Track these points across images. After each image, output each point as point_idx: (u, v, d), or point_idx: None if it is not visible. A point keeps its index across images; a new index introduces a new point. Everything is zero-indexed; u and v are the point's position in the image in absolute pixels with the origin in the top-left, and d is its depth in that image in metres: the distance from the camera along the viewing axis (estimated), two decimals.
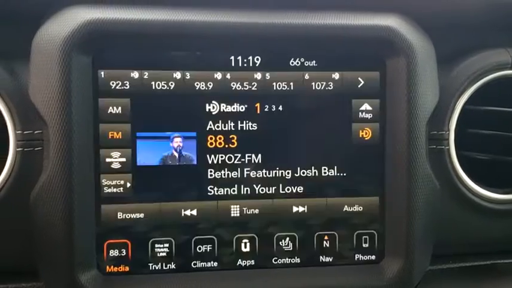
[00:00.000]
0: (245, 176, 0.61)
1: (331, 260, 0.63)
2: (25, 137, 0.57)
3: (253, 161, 0.61)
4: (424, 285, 0.63)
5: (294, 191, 0.62)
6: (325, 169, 0.62)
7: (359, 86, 0.62)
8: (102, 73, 0.57)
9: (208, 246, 0.61)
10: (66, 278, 0.56)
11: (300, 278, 0.62)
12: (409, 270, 0.61)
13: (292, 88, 0.61)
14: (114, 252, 0.59)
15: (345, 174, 0.62)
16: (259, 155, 0.61)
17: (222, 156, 0.60)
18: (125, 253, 0.59)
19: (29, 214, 0.57)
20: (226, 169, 0.60)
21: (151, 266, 0.60)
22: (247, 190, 0.61)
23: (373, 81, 0.62)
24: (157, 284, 0.59)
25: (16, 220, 0.58)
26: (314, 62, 0.61)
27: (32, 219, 0.57)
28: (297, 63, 0.61)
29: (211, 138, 0.60)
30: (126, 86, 0.58)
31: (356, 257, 0.63)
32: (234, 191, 0.61)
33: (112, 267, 0.59)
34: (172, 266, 0.60)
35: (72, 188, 0.55)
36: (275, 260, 0.62)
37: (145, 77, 0.58)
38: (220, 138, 0.60)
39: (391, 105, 0.61)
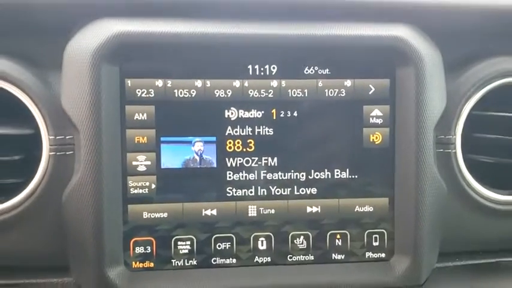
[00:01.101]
0: (262, 178, 0.65)
1: (343, 257, 0.66)
2: (57, 142, 0.61)
3: (269, 164, 0.64)
4: (431, 282, 0.66)
5: (308, 192, 0.65)
6: (337, 172, 0.65)
7: (370, 93, 0.65)
8: (129, 82, 0.61)
9: (227, 243, 0.65)
10: (96, 274, 0.60)
11: (313, 274, 0.65)
12: (417, 267, 0.64)
13: (306, 95, 0.64)
14: (139, 250, 0.63)
15: (356, 177, 0.66)
16: (275, 158, 0.64)
17: (240, 160, 0.64)
18: (149, 250, 0.63)
19: (61, 213, 0.61)
20: (244, 171, 0.64)
21: (174, 262, 0.64)
22: (263, 191, 0.65)
23: (384, 88, 0.65)
24: (180, 279, 0.63)
25: (49, 219, 0.62)
26: (327, 70, 0.64)
27: (64, 218, 0.61)
28: (311, 71, 0.64)
29: (230, 143, 0.64)
30: (151, 94, 0.62)
31: (367, 255, 0.67)
32: (251, 192, 0.65)
33: (138, 263, 0.63)
34: (194, 262, 0.64)
35: (101, 189, 0.59)
36: (290, 257, 0.66)
37: (168, 85, 0.62)
38: (238, 143, 0.64)
39: (400, 110, 0.65)
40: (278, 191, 0.65)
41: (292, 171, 0.65)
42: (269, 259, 0.66)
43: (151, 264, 0.64)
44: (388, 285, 0.65)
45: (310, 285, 0.64)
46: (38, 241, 0.63)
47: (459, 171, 0.67)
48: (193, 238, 0.64)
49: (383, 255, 0.67)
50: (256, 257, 0.65)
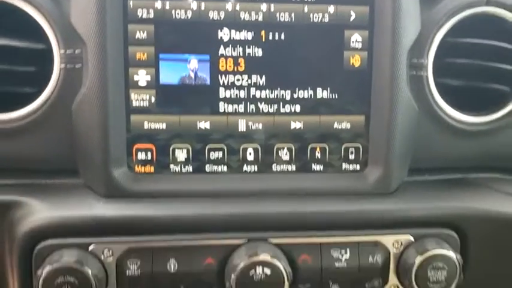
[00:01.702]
0: (251, 95, 0.72)
1: (321, 168, 0.74)
2: (67, 55, 0.68)
3: (258, 83, 0.71)
4: (401, 192, 0.74)
5: (292, 109, 0.73)
6: (319, 90, 0.72)
7: (351, 19, 0.71)
8: (131, 3, 0.67)
9: (219, 153, 0.73)
10: (102, 174, 0.68)
11: (295, 182, 0.73)
12: (388, 177, 0.72)
13: (293, 19, 0.70)
14: (141, 155, 0.71)
15: (336, 96, 0.73)
16: (263, 77, 0.71)
17: (231, 78, 0.71)
18: (150, 157, 0.71)
19: (71, 121, 0.69)
20: (235, 88, 0.71)
21: (172, 168, 0.72)
22: (252, 108, 0.72)
23: (364, 15, 0.71)
24: (177, 182, 0.71)
25: (60, 126, 0.70)
26: None
27: (74, 126, 0.69)
28: None
29: (222, 62, 0.70)
30: (151, 14, 0.68)
31: (343, 166, 0.75)
32: (241, 108, 0.72)
33: (140, 167, 0.71)
34: (190, 168, 0.72)
35: (106, 100, 0.66)
36: (274, 167, 0.74)
37: (166, 7, 0.68)
38: (230, 62, 0.70)
39: (378, 35, 0.71)
40: (265, 107, 0.72)
41: (279, 89, 0.72)
42: (256, 168, 0.74)
43: (152, 169, 0.72)
44: (361, 192, 0.73)
45: (292, 191, 0.73)
46: (50, 146, 0.71)
47: (430, 93, 0.74)
48: (189, 147, 0.72)
49: (358, 167, 0.75)
50: (245, 165, 0.73)
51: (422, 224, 0.71)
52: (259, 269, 0.65)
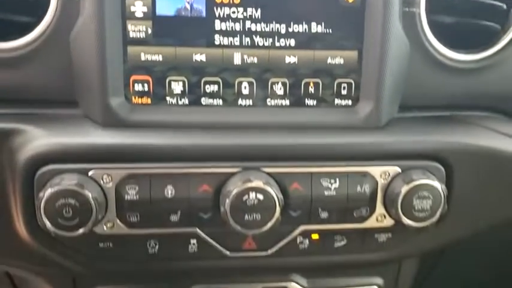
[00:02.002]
0: (246, 28, 0.73)
1: (314, 103, 0.76)
2: None
3: (253, 16, 0.72)
4: (391, 126, 0.77)
5: (287, 43, 0.74)
6: (314, 25, 0.73)
7: None
8: None
9: (215, 86, 0.74)
10: (100, 104, 0.70)
11: (289, 116, 0.75)
12: (378, 112, 0.75)
13: None
14: (138, 87, 0.73)
15: (330, 31, 0.74)
16: (259, 10, 0.72)
17: (227, 10, 0.72)
18: (147, 88, 0.73)
19: (70, 51, 0.70)
20: (230, 21, 0.72)
21: (168, 100, 0.74)
22: (247, 41, 0.73)
23: None
24: (173, 114, 0.73)
25: (59, 56, 0.71)
26: None
27: (72, 56, 0.70)
28: None
29: None
30: None
31: (335, 102, 0.77)
32: (236, 41, 0.73)
33: (137, 98, 0.73)
34: (186, 101, 0.74)
35: (103, 30, 0.67)
36: (268, 101, 0.76)
37: None
38: None
39: None
40: (260, 41, 0.73)
41: (274, 22, 0.73)
42: (251, 102, 0.76)
43: (149, 101, 0.74)
44: (352, 126, 0.75)
45: (285, 125, 0.75)
46: (50, 76, 0.72)
47: (422, 30, 0.75)
48: (185, 80, 0.73)
49: (350, 102, 0.77)
50: (240, 99, 0.75)
51: (410, 157, 0.74)
52: (252, 195, 0.68)
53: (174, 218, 0.71)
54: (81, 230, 0.66)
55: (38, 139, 0.69)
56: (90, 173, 0.68)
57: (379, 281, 0.88)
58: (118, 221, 0.70)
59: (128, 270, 0.77)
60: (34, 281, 0.85)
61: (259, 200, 0.68)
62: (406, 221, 0.72)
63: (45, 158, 0.68)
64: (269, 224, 0.69)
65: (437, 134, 0.76)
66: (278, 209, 0.69)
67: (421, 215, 0.72)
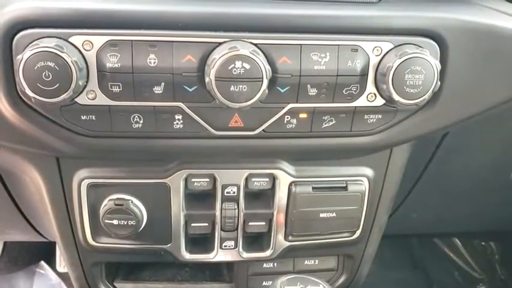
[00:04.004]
0: None
1: None
2: None
3: None
4: (386, 2, 0.73)
5: None
6: None
7: None
8: None
9: None
10: None
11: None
12: None
13: None
14: None
15: None
16: None
17: None
18: None
19: None
20: None
21: None
22: None
23: None
24: None
25: None
26: None
27: None
28: None
29: None
30: None
31: None
32: None
33: None
34: None
35: None
36: None
37: None
38: None
39: None
40: None
41: None
42: None
43: None
44: (346, 0, 0.72)
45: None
46: None
47: None
48: None
49: None
50: None
51: (403, 32, 0.71)
52: (238, 63, 0.65)
53: (157, 89, 0.69)
54: (62, 96, 0.64)
55: (16, 2, 0.65)
56: (70, 39, 0.66)
57: (369, 171, 0.87)
58: (100, 91, 0.68)
59: (111, 148, 0.75)
60: (19, 170, 0.85)
61: (245, 69, 0.66)
62: (397, 97, 0.69)
63: (25, 21, 0.65)
64: (256, 97, 0.67)
65: (433, 10, 0.72)
66: (265, 81, 0.67)
67: (412, 91, 0.69)
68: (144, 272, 1.00)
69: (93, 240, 0.85)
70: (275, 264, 0.97)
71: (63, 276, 2.00)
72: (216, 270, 1.02)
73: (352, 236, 0.92)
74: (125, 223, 0.80)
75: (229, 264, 0.99)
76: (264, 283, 0.98)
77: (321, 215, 0.87)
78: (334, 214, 0.87)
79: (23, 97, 0.67)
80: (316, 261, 0.98)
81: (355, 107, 0.73)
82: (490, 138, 0.99)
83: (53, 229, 0.88)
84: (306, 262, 0.98)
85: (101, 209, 0.81)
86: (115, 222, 0.81)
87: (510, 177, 1.10)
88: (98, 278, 0.94)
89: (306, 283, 0.73)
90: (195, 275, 1.01)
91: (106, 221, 0.80)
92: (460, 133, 0.91)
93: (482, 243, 2.18)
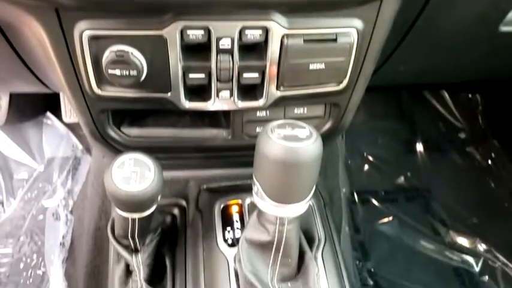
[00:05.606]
0: None
1: None
2: None
3: None
4: None
5: None
6: None
7: None
8: None
9: None
10: None
11: None
12: None
13: None
14: None
15: None
16: None
17: None
18: None
19: None
20: None
21: None
22: None
23: None
24: None
25: None
26: None
27: None
28: None
29: None
30: None
31: None
32: None
33: None
34: None
35: None
36: None
37: None
38: None
39: None
40: None
41: None
42: None
43: None
44: None
45: None
46: None
47: None
48: None
49: None
50: None
51: None
52: None
53: None
54: None
55: None
56: None
57: (358, 23, 0.89)
58: None
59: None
60: (19, 21, 0.86)
61: None
62: None
63: None
64: None
65: None
66: None
67: None
68: (148, 120, 1.09)
69: (99, 89, 0.91)
70: (267, 112, 1.05)
71: (69, 127, 2.11)
72: (214, 118, 1.11)
73: (339, 86, 0.98)
74: (127, 73, 0.85)
75: (226, 113, 1.07)
76: (257, 129, 1.07)
77: (311, 67, 0.92)
78: (323, 65, 0.92)
79: None
80: (305, 109, 1.06)
81: None
82: None
83: (59, 80, 0.93)
84: (295, 111, 1.06)
85: (103, 59, 0.86)
86: (117, 72, 0.85)
87: (499, 30, 1.12)
88: (106, 123, 1.02)
89: (293, 127, 0.82)
90: (195, 123, 1.09)
91: (109, 71, 0.85)
92: None
93: (469, 95, 2.27)
